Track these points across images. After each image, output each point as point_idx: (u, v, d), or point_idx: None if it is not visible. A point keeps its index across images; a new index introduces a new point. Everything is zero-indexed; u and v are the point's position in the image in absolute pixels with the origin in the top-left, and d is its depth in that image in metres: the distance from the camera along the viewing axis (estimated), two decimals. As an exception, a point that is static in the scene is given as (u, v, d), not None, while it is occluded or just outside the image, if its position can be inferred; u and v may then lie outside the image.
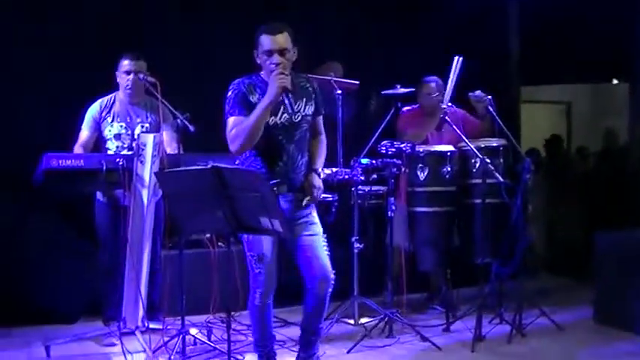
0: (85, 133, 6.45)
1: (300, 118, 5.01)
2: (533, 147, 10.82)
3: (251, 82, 4.99)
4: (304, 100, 5.06)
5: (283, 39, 4.89)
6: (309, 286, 5.10)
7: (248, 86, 4.96)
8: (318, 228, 5.12)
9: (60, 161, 5.63)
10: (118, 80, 6.51)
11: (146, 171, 5.75)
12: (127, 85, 6.44)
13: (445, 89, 7.00)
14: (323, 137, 5.31)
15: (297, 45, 4.99)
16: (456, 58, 6.89)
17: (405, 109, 7.29)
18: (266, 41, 4.89)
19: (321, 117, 5.27)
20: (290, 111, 4.92)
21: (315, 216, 5.13)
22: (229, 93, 4.99)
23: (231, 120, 4.93)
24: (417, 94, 7.25)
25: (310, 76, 5.41)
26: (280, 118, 4.95)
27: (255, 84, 4.97)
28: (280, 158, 4.97)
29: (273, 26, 4.93)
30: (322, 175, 5.18)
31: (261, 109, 4.81)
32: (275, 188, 4.88)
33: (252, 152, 5.01)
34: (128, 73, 6.42)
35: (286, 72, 4.83)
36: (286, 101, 4.89)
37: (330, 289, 5.09)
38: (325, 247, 5.11)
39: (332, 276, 5.07)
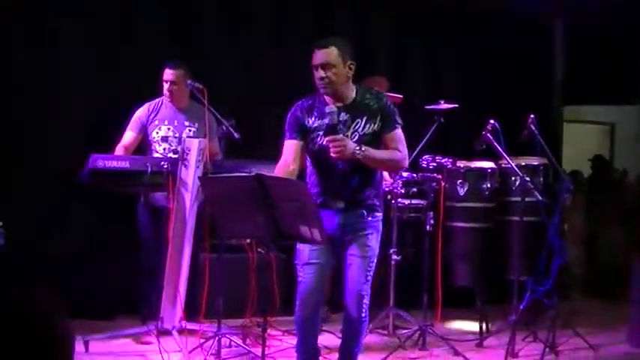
0: (129, 134, 6.60)
1: (357, 137, 4.81)
2: (577, 169, 10.81)
3: (310, 104, 4.92)
4: (365, 118, 4.85)
5: (327, 54, 4.77)
6: (344, 306, 5.03)
7: (306, 110, 4.91)
8: (369, 251, 4.90)
9: (106, 162, 5.77)
10: None
11: (190, 175, 5.86)
12: (166, 94, 6.62)
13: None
14: (396, 151, 4.90)
15: (353, 59, 4.84)
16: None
17: None
18: (313, 55, 4.82)
19: (393, 133, 4.88)
20: (343, 131, 4.79)
21: (371, 238, 4.92)
22: (287, 115, 4.99)
23: (284, 144, 4.97)
24: None
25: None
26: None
27: (313, 106, 4.90)
28: (333, 177, 4.85)
29: (321, 40, 4.85)
30: (359, 156, 4.69)
31: None
32: (331, 203, 4.85)
33: (310, 168, 5.00)
34: (166, 82, 6.58)
35: (339, 139, 4.65)
36: (330, 109, 4.77)
37: (363, 315, 4.92)
38: (368, 272, 4.90)
39: (364, 301, 4.89)
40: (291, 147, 4.92)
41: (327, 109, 4.78)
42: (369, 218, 4.93)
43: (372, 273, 4.95)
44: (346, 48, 4.85)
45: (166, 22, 7.64)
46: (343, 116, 4.85)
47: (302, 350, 5.10)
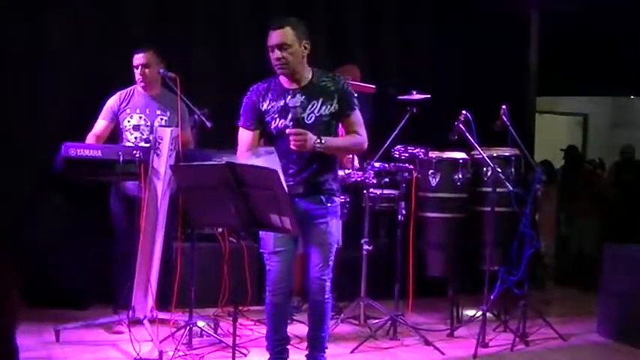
0: (101, 122, 6.56)
1: (313, 119, 4.90)
2: (546, 159, 10.88)
3: (265, 86, 4.98)
4: (321, 100, 4.91)
5: (283, 34, 4.81)
6: (307, 290, 5.12)
7: (262, 92, 4.96)
8: (329, 238, 4.98)
9: (78, 151, 5.74)
10: None
11: (162, 164, 5.84)
12: (138, 79, 6.57)
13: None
14: (356, 135, 5.02)
15: (308, 39, 4.90)
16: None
17: None
18: (268, 37, 4.87)
19: (352, 115, 4.99)
20: (300, 112, 4.85)
21: (331, 225, 4.98)
22: (244, 99, 5.04)
23: (239, 130, 5.04)
24: None
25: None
26: (289, 121, 4.88)
27: (269, 89, 4.96)
28: (291, 161, 4.88)
29: (275, 21, 4.89)
30: (320, 148, 4.79)
31: None
32: (290, 187, 4.80)
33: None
34: (137, 67, 6.54)
35: (300, 134, 4.72)
36: (294, 102, 4.86)
37: (326, 297, 5.01)
38: (330, 258, 4.98)
39: (327, 283, 4.99)
40: (248, 136, 4.99)
41: (291, 103, 4.85)
42: (328, 204, 4.99)
43: (333, 257, 5.03)
44: (301, 28, 4.91)
45: (142, 15, 7.61)
46: (299, 98, 4.91)
47: (272, 338, 5.16)
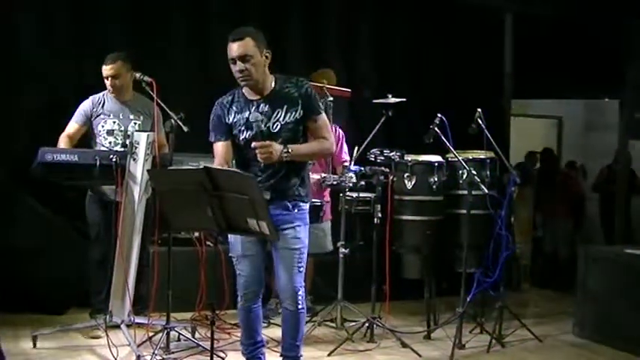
0: (73, 125, 6.55)
1: (278, 127, 4.86)
2: (523, 161, 10.94)
3: (230, 99, 4.96)
4: (285, 107, 4.87)
5: (243, 45, 4.75)
6: (280, 299, 5.09)
7: (226, 106, 4.95)
8: (298, 243, 4.92)
9: (54, 155, 5.73)
10: None
11: (138, 168, 5.84)
12: (109, 89, 6.58)
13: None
14: (323, 140, 4.95)
15: (268, 48, 4.85)
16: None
17: None
18: (229, 49, 4.81)
19: (317, 120, 4.91)
20: (265, 122, 4.84)
21: (299, 230, 4.94)
22: (211, 115, 5.03)
23: (213, 145, 5.03)
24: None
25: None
26: (255, 132, 4.86)
27: (232, 102, 4.95)
28: (259, 169, 4.84)
29: (235, 33, 4.82)
30: (287, 158, 4.75)
31: None
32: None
33: (234, 159, 5.02)
34: (107, 78, 6.54)
35: (266, 146, 4.68)
36: (257, 115, 4.84)
37: (299, 307, 4.94)
38: (299, 264, 4.93)
39: (299, 293, 4.92)
40: (221, 148, 4.96)
41: (253, 117, 4.85)
42: (295, 211, 4.95)
43: (303, 264, 4.97)
44: (260, 37, 4.85)
45: (118, 16, 7.60)
46: (263, 108, 4.88)
47: (247, 343, 5.18)
